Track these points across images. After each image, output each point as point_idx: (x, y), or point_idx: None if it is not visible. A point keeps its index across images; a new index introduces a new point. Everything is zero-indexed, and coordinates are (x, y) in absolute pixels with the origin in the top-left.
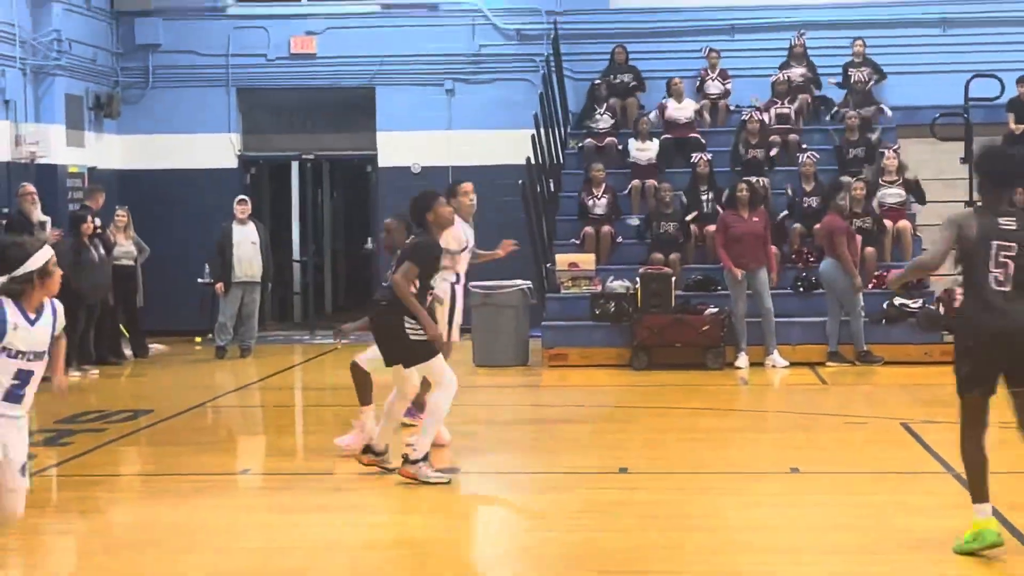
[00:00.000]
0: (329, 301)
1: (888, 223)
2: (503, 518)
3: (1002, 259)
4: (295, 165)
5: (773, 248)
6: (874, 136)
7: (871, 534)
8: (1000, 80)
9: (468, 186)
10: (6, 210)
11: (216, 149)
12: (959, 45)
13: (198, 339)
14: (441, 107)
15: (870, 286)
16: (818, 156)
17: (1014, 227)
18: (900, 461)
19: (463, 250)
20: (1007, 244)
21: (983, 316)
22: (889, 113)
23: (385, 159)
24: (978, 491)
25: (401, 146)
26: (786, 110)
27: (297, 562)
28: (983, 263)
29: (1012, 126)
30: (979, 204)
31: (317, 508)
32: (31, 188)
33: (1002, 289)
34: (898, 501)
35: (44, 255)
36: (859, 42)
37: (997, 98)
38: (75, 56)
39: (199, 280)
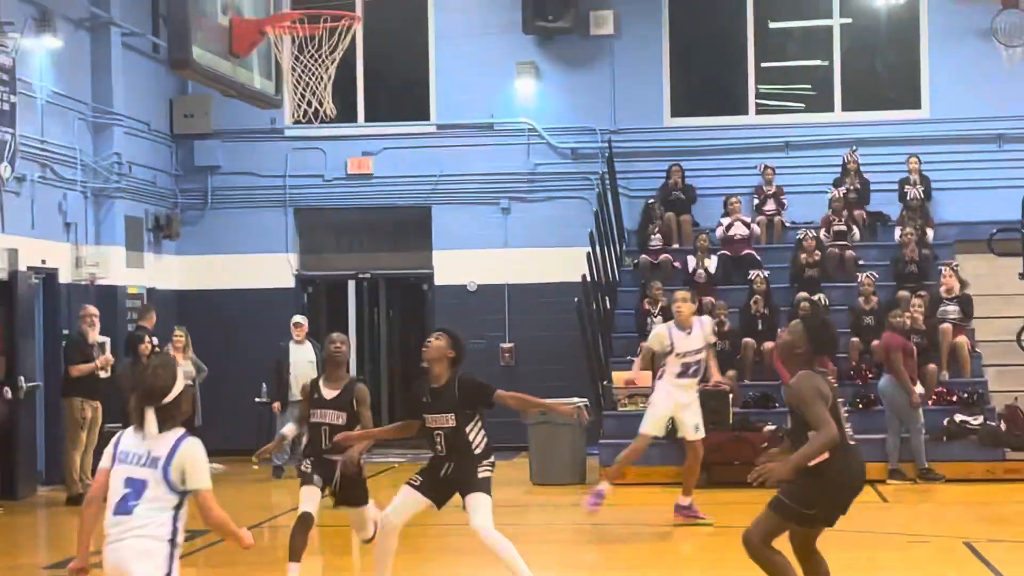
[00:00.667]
0: (385, 418)
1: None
2: None
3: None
4: (352, 284)
5: (831, 364)
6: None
7: None
8: None
9: (678, 294)
10: (66, 331)
11: (274, 269)
12: (1015, 161)
13: (255, 459)
14: (497, 225)
15: (930, 403)
16: (876, 275)
17: None
18: None
19: (667, 354)
20: None
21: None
22: (931, 234)
23: (441, 277)
24: None
25: (457, 264)
26: (842, 227)
27: None
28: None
29: None
30: None
31: None
32: (92, 310)
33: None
34: None
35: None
36: (914, 159)
37: None
38: (135, 179)
39: (256, 399)
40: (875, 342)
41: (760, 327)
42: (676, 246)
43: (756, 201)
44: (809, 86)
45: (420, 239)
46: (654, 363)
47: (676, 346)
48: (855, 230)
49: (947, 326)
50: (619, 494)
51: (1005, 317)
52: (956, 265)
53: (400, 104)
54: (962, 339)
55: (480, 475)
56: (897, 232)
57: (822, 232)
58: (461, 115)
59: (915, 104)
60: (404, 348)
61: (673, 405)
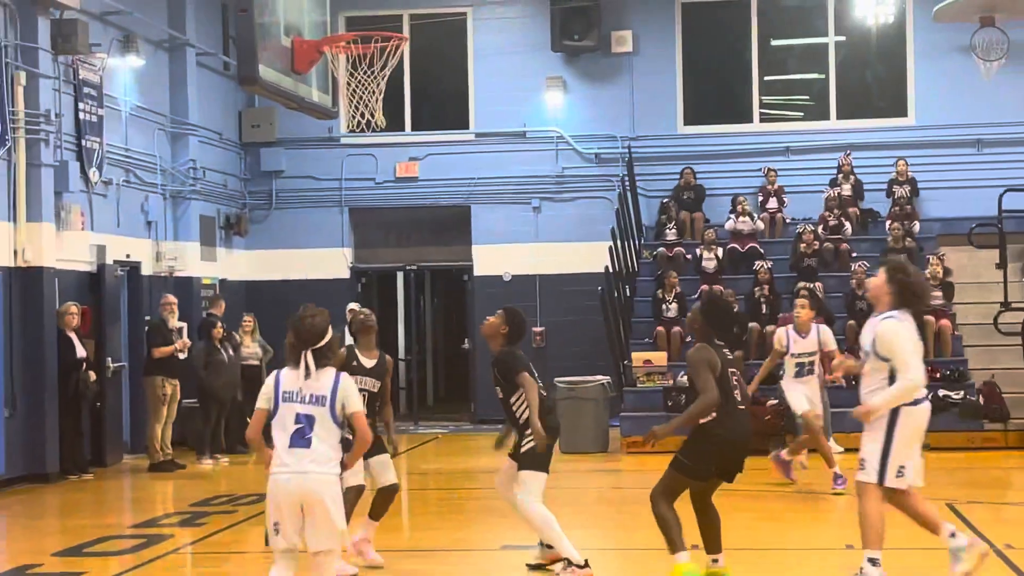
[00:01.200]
0: (431, 395)
1: (929, 318)
2: None
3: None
4: (400, 275)
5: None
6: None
7: None
8: None
9: (798, 300)
10: (148, 317)
11: (331, 262)
12: (992, 163)
13: None
14: (529, 222)
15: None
16: (868, 265)
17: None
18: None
19: (783, 354)
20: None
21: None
22: (917, 227)
23: (480, 269)
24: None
25: (494, 257)
26: (837, 222)
27: None
28: None
29: None
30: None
31: None
32: (172, 299)
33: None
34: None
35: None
36: (901, 162)
37: None
38: (208, 182)
39: None
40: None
41: (764, 312)
42: (689, 240)
43: (760, 199)
44: (807, 97)
45: (461, 235)
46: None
47: (791, 348)
48: (848, 225)
49: (930, 318)
50: (639, 460)
51: (983, 303)
52: (942, 255)
53: (443, 114)
54: (945, 322)
55: (523, 448)
56: (887, 227)
57: (819, 227)
58: (497, 124)
59: (902, 112)
60: (447, 332)
61: (800, 394)
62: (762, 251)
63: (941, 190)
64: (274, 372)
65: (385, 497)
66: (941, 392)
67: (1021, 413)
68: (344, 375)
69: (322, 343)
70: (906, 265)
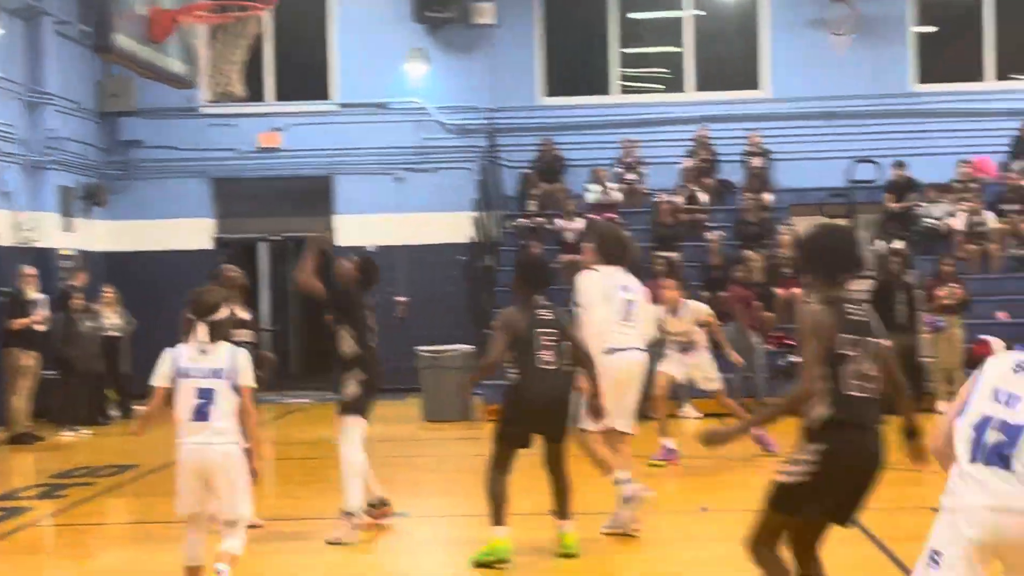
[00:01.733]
0: (294, 365)
1: (781, 291)
2: (445, 556)
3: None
4: (263, 246)
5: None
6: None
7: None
8: (878, 165)
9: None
10: (7, 289)
11: (193, 232)
12: (842, 135)
13: None
14: (392, 193)
15: (768, 346)
16: (723, 235)
17: None
18: None
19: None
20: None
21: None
22: (771, 198)
23: (343, 239)
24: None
25: (357, 228)
26: (693, 193)
27: None
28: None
29: (889, 204)
30: None
31: (286, 550)
32: (30, 270)
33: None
34: None
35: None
36: (755, 134)
37: (876, 180)
38: (67, 152)
39: None
40: (722, 293)
41: None
42: (550, 211)
43: (619, 170)
44: (665, 69)
45: (324, 206)
46: None
47: (666, 326)
48: (704, 196)
49: (781, 290)
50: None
51: None
52: (793, 225)
53: (305, 85)
54: (796, 290)
55: (346, 393)
56: (741, 198)
57: (676, 197)
58: (359, 95)
59: (757, 85)
60: (311, 302)
61: (681, 370)
62: (621, 221)
63: (794, 161)
64: (167, 350)
65: None
66: (792, 358)
67: None
68: (240, 350)
69: (216, 316)
70: (602, 224)
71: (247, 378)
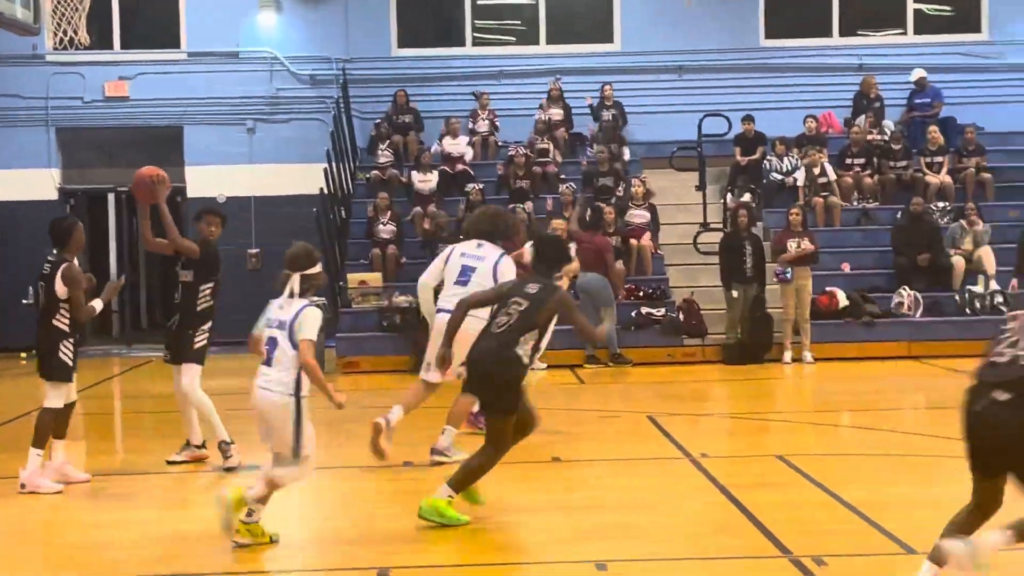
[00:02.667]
0: (144, 318)
1: (633, 241)
2: (298, 509)
3: None
4: (111, 196)
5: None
6: (620, 167)
7: (625, 513)
8: (728, 119)
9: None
10: None
11: (37, 183)
12: (692, 89)
13: (23, 354)
14: (243, 144)
15: (621, 297)
16: (575, 187)
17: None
18: (647, 449)
19: None
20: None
21: None
22: (623, 152)
23: (193, 190)
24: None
25: (207, 179)
26: (546, 145)
27: (116, 553)
28: None
29: (738, 158)
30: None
31: (137, 506)
32: None
33: None
34: (647, 484)
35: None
36: (608, 87)
37: (725, 134)
38: None
39: (24, 301)
40: (575, 243)
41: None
42: (403, 162)
43: (472, 122)
44: (519, 21)
45: (173, 156)
46: None
47: None
48: (558, 148)
49: (634, 241)
50: (354, 380)
51: (684, 223)
52: (644, 177)
53: (153, 33)
54: (646, 242)
55: (196, 342)
56: (593, 151)
57: (529, 150)
58: (209, 44)
59: (608, 39)
60: (161, 254)
61: None
62: (473, 173)
63: (645, 115)
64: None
65: (66, 415)
66: (644, 309)
67: (718, 329)
68: (310, 308)
69: (310, 271)
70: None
71: (307, 331)
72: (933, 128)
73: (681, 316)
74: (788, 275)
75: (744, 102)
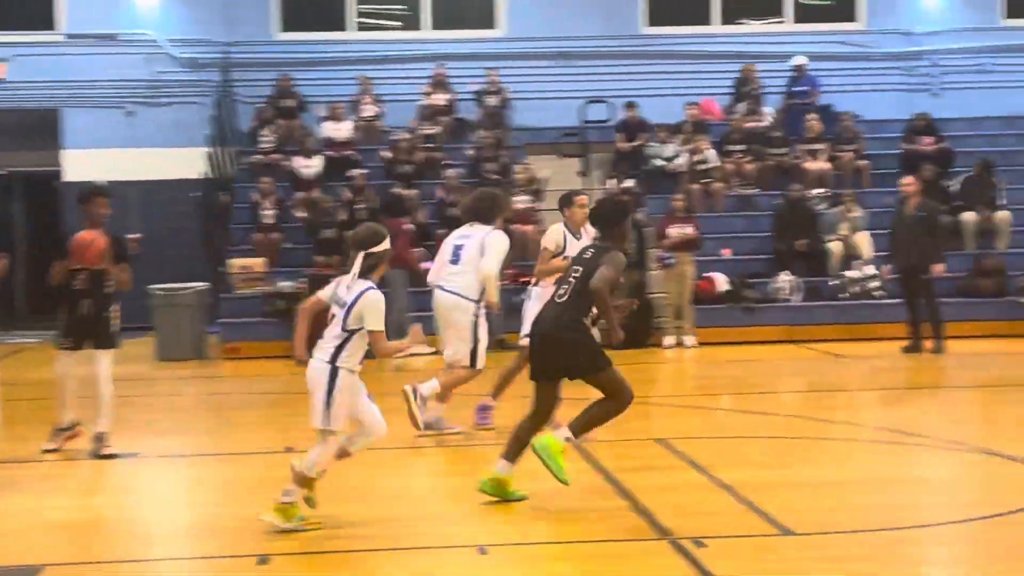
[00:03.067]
0: (21, 304)
1: (519, 227)
2: (181, 496)
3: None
4: None
5: (414, 250)
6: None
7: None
8: (611, 105)
9: (583, 199)
10: None
11: None
12: (576, 75)
13: None
14: (123, 127)
15: (510, 282)
16: (461, 172)
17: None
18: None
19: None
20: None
21: None
22: (508, 138)
23: (70, 174)
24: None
25: (86, 163)
26: (431, 130)
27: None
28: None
29: (621, 144)
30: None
31: (18, 491)
32: None
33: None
34: (527, 469)
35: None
36: (492, 72)
37: (608, 121)
38: None
39: None
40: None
41: (357, 219)
42: (286, 147)
43: (357, 107)
44: (404, 6)
45: (50, 140)
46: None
47: (568, 249)
48: (442, 134)
49: (518, 226)
50: (237, 366)
51: None
52: (528, 163)
53: (30, 14)
54: (530, 227)
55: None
56: (477, 136)
57: (414, 135)
58: (88, 26)
59: (493, 24)
60: (37, 239)
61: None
62: (359, 158)
63: (529, 100)
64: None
65: None
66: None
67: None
68: (374, 292)
69: (375, 248)
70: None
71: (373, 322)
72: (811, 115)
73: None
74: (670, 261)
75: (627, 89)
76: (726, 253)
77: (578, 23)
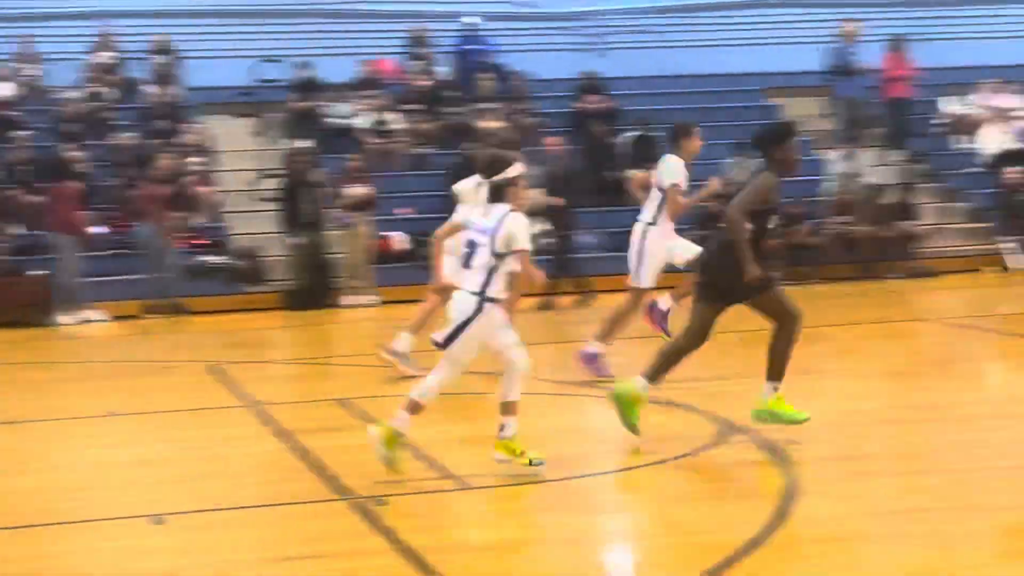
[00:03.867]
0: None
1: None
2: None
3: None
4: None
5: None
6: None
7: (185, 466)
8: (285, 64)
9: (698, 128)
10: None
11: None
12: (250, 33)
13: None
14: None
15: (176, 245)
16: (132, 132)
17: None
18: (208, 399)
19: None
20: None
21: None
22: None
23: None
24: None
25: None
26: (102, 90)
27: None
28: None
29: (295, 104)
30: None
31: None
32: None
33: None
34: (206, 435)
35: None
36: (163, 36)
37: (281, 81)
38: None
39: None
40: (133, 193)
41: (19, 181)
42: None
43: (17, 67)
44: None
45: None
46: None
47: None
48: (111, 93)
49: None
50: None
51: (242, 170)
52: (201, 122)
53: None
54: (204, 188)
55: None
56: (147, 94)
57: (81, 94)
58: None
59: None
60: None
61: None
62: (25, 118)
63: (202, 59)
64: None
65: None
66: (203, 258)
67: (277, 275)
68: (516, 213)
69: (498, 177)
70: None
71: (520, 242)
72: (484, 75)
73: (242, 263)
74: (348, 220)
75: (300, 48)
76: (404, 212)
77: None
